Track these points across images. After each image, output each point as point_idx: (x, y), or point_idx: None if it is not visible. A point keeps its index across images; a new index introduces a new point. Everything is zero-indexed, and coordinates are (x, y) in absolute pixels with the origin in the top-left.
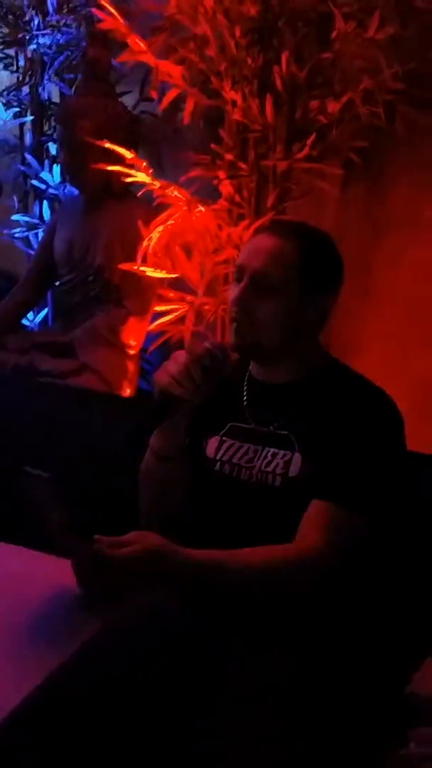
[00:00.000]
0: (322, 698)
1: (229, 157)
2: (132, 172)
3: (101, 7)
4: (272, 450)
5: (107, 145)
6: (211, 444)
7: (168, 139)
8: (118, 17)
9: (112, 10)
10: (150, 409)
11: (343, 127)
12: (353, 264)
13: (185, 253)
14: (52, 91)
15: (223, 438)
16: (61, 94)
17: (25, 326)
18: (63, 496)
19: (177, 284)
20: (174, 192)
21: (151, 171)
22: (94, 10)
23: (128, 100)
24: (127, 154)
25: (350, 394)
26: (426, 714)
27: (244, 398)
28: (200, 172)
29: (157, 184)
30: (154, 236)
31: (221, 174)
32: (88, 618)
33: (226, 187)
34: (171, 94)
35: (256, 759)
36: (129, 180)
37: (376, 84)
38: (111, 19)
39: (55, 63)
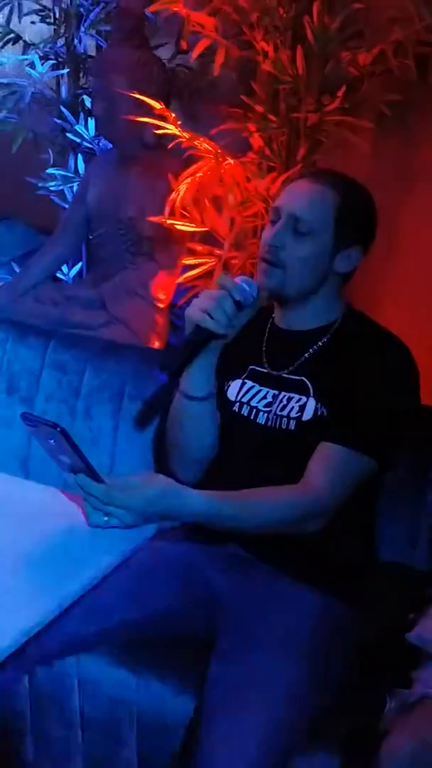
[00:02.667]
0: (328, 639)
1: (259, 109)
2: (161, 123)
3: None
4: (288, 394)
5: (136, 95)
6: (233, 386)
7: (203, 93)
8: None
9: None
10: (183, 347)
11: (374, 79)
12: (382, 223)
13: (215, 207)
14: (88, 44)
15: (245, 381)
16: (98, 47)
17: (59, 279)
18: (69, 441)
19: (206, 238)
20: (203, 144)
21: (179, 122)
22: None
23: (164, 53)
24: (156, 105)
25: (366, 341)
26: (429, 656)
27: (264, 344)
28: (231, 124)
29: (186, 135)
30: (181, 189)
31: (251, 126)
32: (98, 551)
33: (256, 140)
34: (202, 45)
35: (263, 695)
36: (159, 132)
37: (407, 35)
38: None
39: (91, 15)
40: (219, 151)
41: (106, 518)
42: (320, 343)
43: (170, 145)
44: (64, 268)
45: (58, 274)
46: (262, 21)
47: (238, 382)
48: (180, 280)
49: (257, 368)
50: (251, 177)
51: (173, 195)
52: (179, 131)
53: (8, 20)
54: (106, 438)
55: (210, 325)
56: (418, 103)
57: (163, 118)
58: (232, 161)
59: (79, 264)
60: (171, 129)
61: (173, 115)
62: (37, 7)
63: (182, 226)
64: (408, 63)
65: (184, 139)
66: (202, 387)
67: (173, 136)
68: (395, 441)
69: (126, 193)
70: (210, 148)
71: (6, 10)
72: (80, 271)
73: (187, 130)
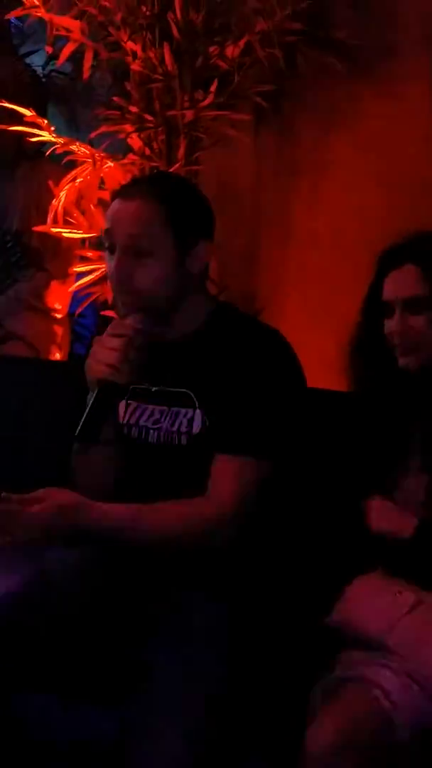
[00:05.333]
0: (246, 635)
1: (134, 109)
2: (35, 131)
3: None
4: (176, 409)
5: (4, 104)
6: (120, 408)
7: (80, 98)
8: None
9: None
10: (95, 403)
11: (246, 72)
12: (271, 211)
13: (101, 211)
14: None
15: (129, 401)
16: None
17: None
18: None
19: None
20: (81, 149)
21: (53, 129)
22: None
23: (38, 60)
24: (26, 113)
25: (239, 342)
26: (349, 640)
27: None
28: (107, 127)
29: (61, 141)
30: (62, 195)
31: (128, 127)
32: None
33: (135, 141)
34: (68, 49)
35: (186, 694)
36: (34, 140)
37: (272, 26)
38: None
39: None
40: (96, 155)
41: (8, 537)
42: (194, 349)
43: (48, 153)
44: None
45: None
46: (126, 20)
47: (123, 403)
48: (71, 288)
49: (137, 387)
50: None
51: (54, 202)
52: (53, 137)
53: None
54: (11, 455)
55: (117, 378)
56: (291, 93)
57: (36, 126)
58: (111, 164)
59: None
60: (45, 136)
61: (46, 121)
62: None
63: (69, 234)
64: (275, 53)
65: (59, 145)
66: (110, 430)
67: (50, 143)
68: (287, 435)
69: (9, 204)
70: (87, 152)
71: None
72: None
73: (65, 136)
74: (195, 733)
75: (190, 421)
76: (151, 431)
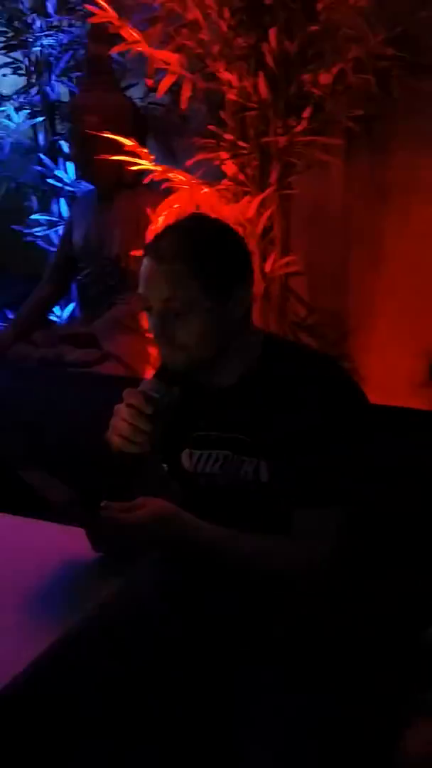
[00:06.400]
0: (341, 658)
1: (229, 137)
2: (135, 160)
3: (95, 3)
4: (239, 456)
5: (109, 135)
6: (185, 458)
7: (177, 128)
8: (109, 9)
9: (104, 4)
10: (120, 472)
11: (338, 97)
12: (362, 233)
13: None
14: (60, 91)
15: (192, 451)
16: (70, 93)
17: (52, 321)
18: (61, 481)
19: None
20: (177, 176)
21: (155, 158)
22: (87, 5)
23: (137, 93)
24: (127, 142)
25: (295, 383)
26: None
27: (196, 405)
28: (203, 154)
29: (159, 169)
30: (160, 221)
31: (223, 154)
32: (99, 582)
33: (229, 167)
34: (167, 81)
35: (278, 724)
36: (135, 168)
37: (365, 52)
38: (103, 12)
39: (61, 63)
40: (193, 181)
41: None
42: (247, 394)
43: (146, 180)
44: (57, 310)
45: (52, 317)
46: (223, 52)
47: (187, 452)
48: None
49: (200, 433)
50: (226, 203)
51: (151, 227)
52: (152, 166)
53: None
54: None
55: (133, 449)
56: (382, 116)
57: (136, 155)
58: (207, 189)
59: (71, 305)
60: (144, 164)
61: (146, 150)
62: (8, 60)
63: None
64: (368, 78)
65: (157, 173)
66: (152, 486)
67: (148, 171)
68: (368, 471)
69: (109, 231)
70: (184, 179)
71: None
72: (72, 311)
73: (162, 164)
74: None
75: (256, 470)
76: (219, 476)
